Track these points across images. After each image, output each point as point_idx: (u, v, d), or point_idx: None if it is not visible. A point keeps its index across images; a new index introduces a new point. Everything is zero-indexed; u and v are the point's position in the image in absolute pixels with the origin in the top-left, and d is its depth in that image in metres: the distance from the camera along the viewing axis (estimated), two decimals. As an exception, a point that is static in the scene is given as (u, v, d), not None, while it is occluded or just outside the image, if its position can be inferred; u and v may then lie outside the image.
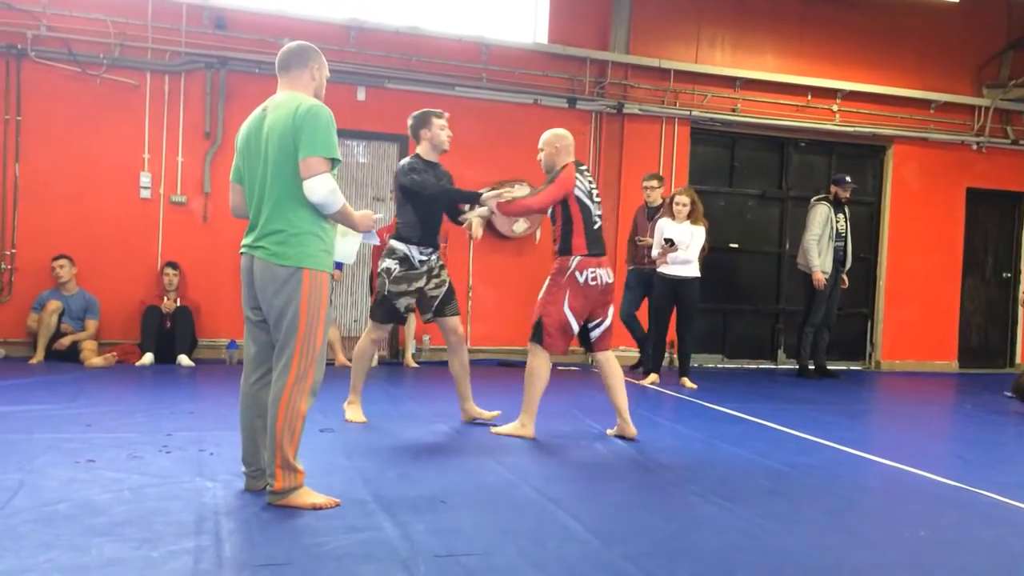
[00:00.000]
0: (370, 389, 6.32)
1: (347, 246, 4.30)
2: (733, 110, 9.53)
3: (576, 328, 4.90)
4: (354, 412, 5.19)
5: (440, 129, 5.06)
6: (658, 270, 7.62)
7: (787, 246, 9.96)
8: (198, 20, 7.96)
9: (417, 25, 8.53)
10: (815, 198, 8.97)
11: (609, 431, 5.16)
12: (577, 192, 4.82)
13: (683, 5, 9.38)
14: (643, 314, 8.19)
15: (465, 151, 8.78)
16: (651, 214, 8.03)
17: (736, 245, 9.85)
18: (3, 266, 7.54)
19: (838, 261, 8.80)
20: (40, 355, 7.24)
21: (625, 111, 9.15)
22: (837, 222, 8.77)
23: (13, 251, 7.56)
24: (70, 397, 5.58)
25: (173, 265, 7.71)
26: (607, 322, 5.00)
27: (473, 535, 3.13)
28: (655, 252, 7.60)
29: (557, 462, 4.43)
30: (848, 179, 8.91)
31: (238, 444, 3.61)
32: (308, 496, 3.38)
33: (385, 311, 5.08)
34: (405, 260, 5.02)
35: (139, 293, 7.76)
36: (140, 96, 7.83)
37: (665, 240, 7.47)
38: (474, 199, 5.05)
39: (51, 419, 4.79)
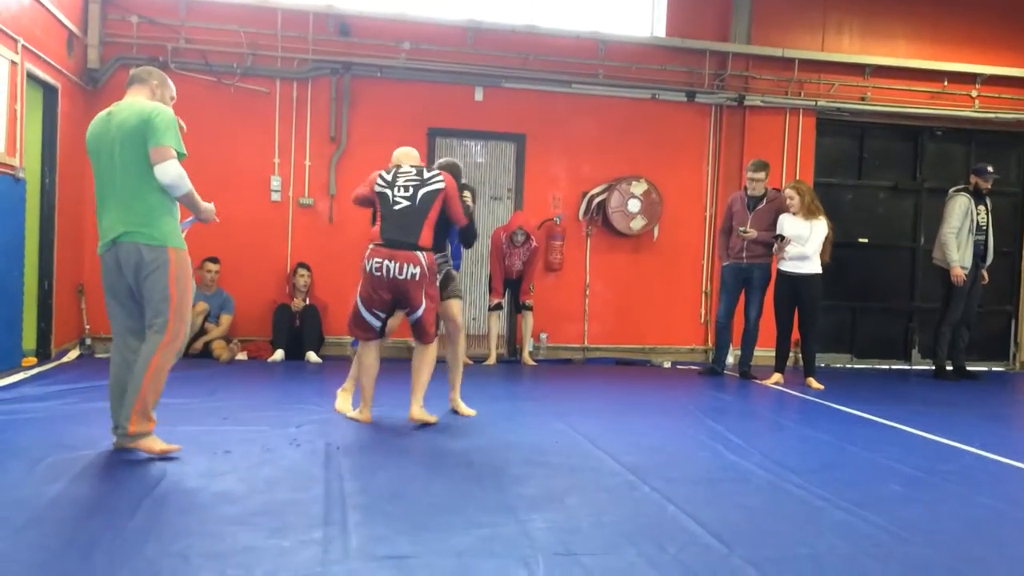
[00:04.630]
0: (489, 387, 6.40)
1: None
2: (862, 98, 9.15)
3: (368, 317, 4.93)
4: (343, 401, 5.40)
5: None
6: (778, 267, 7.43)
7: (922, 240, 9.50)
8: (323, 28, 8.24)
9: (533, 23, 8.57)
10: (953, 189, 8.50)
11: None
12: (378, 187, 4.89)
13: (808, -8, 9.08)
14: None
15: (583, 148, 8.79)
16: (752, 204, 7.62)
17: (865, 240, 9.47)
18: (147, 267, 8.01)
19: (978, 256, 8.33)
20: (181, 353, 7.63)
21: (747, 103, 8.92)
22: (978, 214, 8.29)
23: (156, 253, 8.02)
24: (208, 391, 5.87)
25: (305, 266, 8.01)
26: (416, 315, 4.91)
27: (592, 535, 3.12)
28: (775, 248, 7.40)
29: (678, 463, 4.36)
30: (990, 168, 8.40)
31: (364, 438, 3.72)
32: (156, 443, 3.87)
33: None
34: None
35: (270, 292, 8.11)
36: (270, 103, 8.18)
37: (775, 237, 7.33)
38: None
39: (191, 412, 5.05)
